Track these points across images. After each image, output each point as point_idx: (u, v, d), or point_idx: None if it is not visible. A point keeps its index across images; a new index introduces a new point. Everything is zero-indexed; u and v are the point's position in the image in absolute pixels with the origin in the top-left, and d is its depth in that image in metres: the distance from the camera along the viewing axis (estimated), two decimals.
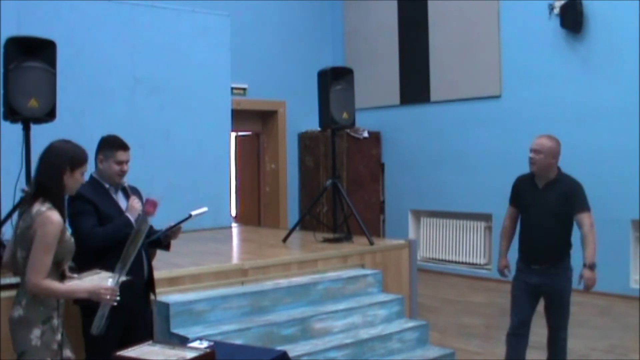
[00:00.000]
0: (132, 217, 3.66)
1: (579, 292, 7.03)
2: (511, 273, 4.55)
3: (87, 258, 3.66)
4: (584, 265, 4.20)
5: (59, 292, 2.98)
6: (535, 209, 4.34)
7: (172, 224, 3.78)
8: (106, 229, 3.60)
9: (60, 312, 3.06)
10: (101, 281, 3.08)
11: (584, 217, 4.26)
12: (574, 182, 4.37)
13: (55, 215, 2.93)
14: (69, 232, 3.14)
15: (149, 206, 3.14)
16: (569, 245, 4.39)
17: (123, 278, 3.09)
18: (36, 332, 2.92)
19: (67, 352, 3.15)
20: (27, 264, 2.91)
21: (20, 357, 2.90)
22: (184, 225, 3.91)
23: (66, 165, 3.01)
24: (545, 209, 4.30)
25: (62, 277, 3.06)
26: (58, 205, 2.98)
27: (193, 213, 3.70)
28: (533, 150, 4.32)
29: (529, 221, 4.40)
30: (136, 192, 3.90)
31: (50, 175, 2.99)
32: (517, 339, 4.49)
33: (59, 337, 3.01)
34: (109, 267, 3.58)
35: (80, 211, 3.60)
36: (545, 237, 4.30)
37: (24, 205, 3.04)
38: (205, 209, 3.82)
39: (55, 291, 2.96)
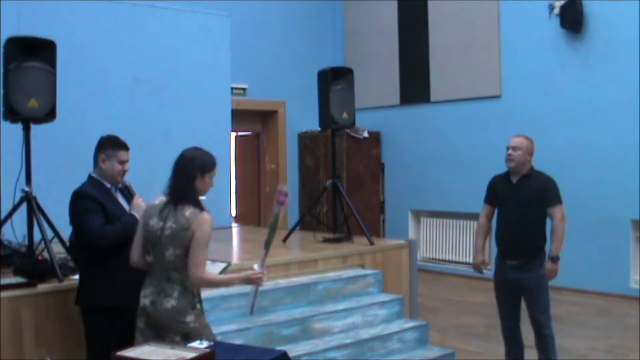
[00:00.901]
0: (138, 215, 3.66)
1: (579, 292, 7.05)
2: (491, 270, 4.65)
3: (93, 256, 3.67)
4: (548, 256, 4.38)
5: (219, 282, 3.50)
6: (511, 203, 4.48)
7: None
8: (115, 228, 3.60)
9: (200, 299, 3.39)
10: (215, 269, 3.51)
11: (556, 210, 4.42)
12: (547, 177, 4.54)
13: (208, 216, 3.26)
14: None
15: (282, 196, 3.55)
16: (543, 238, 4.51)
17: (266, 261, 3.58)
18: (191, 317, 3.27)
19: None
20: (179, 261, 3.23)
21: (185, 338, 3.20)
22: None
23: (197, 170, 3.33)
24: (520, 201, 4.43)
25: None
26: (200, 206, 3.27)
27: None
28: (511, 148, 4.50)
29: (505, 215, 4.54)
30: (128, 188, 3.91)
31: (183, 181, 3.29)
32: (512, 336, 4.66)
33: (205, 319, 3.41)
34: (116, 266, 3.60)
35: (87, 210, 3.60)
36: (520, 230, 4.42)
37: (165, 209, 3.28)
38: None
39: (216, 281, 3.47)
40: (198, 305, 3.34)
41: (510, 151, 4.49)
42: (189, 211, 3.22)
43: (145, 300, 3.30)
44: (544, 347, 4.55)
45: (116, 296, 3.61)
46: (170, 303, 3.24)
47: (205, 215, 3.24)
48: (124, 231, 3.60)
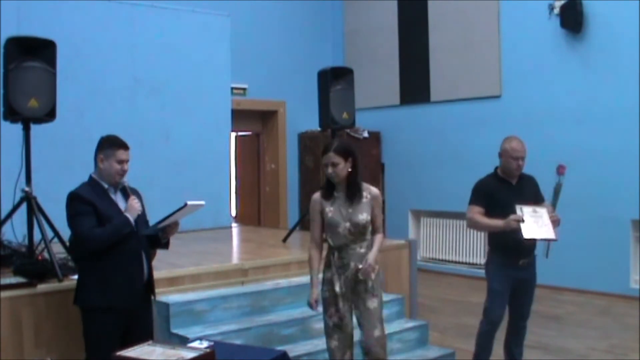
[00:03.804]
0: (131, 217, 3.66)
1: (579, 292, 7.04)
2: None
3: (87, 258, 3.66)
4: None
5: (484, 224, 4.44)
6: (511, 204, 4.37)
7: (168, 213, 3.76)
8: (105, 230, 3.59)
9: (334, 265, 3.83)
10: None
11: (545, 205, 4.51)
12: (531, 175, 4.64)
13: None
14: None
15: (562, 169, 4.36)
16: None
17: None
18: None
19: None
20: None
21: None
22: (182, 223, 3.91)
23: None
24: (524, 202, 4.38)
25: None
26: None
27: (189, 203, 3.69)
28: (521, 158, 4.47)
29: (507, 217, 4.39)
30: (135, 192, 3.90)
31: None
32: (493, 334, 4.62)
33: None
34: (111, 267, 3.60)
35: (79, 212, 3.60)
36: None
37: None
38: (202, 202, 3.80)
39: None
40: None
41: (520, 162, 4.46)
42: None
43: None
44: (521, 340, 4.64)
45: (109, 297, 3.61)
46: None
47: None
48: (114, 233, 3.59)
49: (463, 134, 8.80)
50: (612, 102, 7.36)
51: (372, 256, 3.78)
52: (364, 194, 3.89)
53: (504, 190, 4.50)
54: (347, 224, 3.79)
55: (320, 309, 3.87)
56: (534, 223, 4.29)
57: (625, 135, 7.22)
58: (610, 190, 7.30)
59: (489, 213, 4.47)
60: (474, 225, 4.62)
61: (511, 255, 4.48)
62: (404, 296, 5.57)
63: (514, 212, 4.33)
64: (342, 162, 3.80)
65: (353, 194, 3.85)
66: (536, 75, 8.05)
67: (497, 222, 4.34)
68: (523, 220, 4.26)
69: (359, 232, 3.81)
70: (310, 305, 3.83)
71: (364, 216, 3.81)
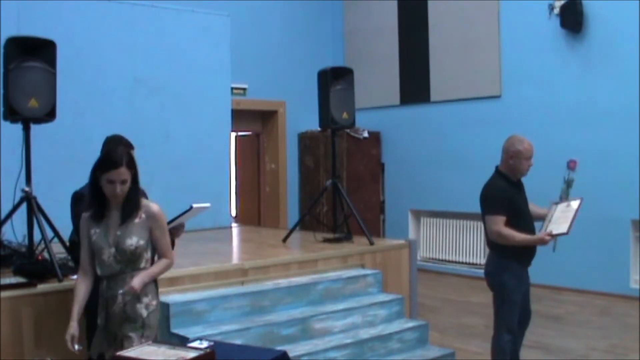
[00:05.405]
0: None
1: (579, 292, 7.03)
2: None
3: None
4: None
5: (518, 240, 4.14)
6: (525, 207, 4.36)
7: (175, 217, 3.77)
8: None
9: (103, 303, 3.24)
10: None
11: None
12: None
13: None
14: None
15: (572, 163, 4.35)
16: None
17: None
18: None
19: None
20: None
21: None
22: (186, 223, 3.91)
23: None
24: (527, 203, 4.37)
25: None
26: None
27: (194, 205, 3.70)
28: (532, 157, 4.34)
29: (526, 221, 4.33)
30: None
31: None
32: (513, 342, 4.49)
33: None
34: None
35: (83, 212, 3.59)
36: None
37: None
38: (208, 204, 3.82)
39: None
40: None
41: (531, 161, 4.33)
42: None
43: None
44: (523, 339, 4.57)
45: None
46: None
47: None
48: None
49: (463, 134, 8.80)
50: (612, 102, 7.37)
51: (137, 280, 3.13)
52: (140, 213, 3.20)
53: (516, 192, 4.37)
54: (113, 250, 3.15)
55: (76, 347, 3.17)
56: (559, 219, 4.25)
57: (625, 135, 7.22)
58: (610, 190, 7.30)
59: (508, 218, 4.26)
60: (506, 240, 4.21)
61: (528, 259, 4.38)
62: (404, 296, 5.57)
63: (529, 215, 4.28)
64: (129, 178, 3.17)
65: (126, 213, 3.17)
66: (536, 75, 8.05)
67: (532, 238, 4.21)
68: (554, 236, 4.19)
69: (129, 260, 3.17)
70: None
71: (132, 241, 3.14)
